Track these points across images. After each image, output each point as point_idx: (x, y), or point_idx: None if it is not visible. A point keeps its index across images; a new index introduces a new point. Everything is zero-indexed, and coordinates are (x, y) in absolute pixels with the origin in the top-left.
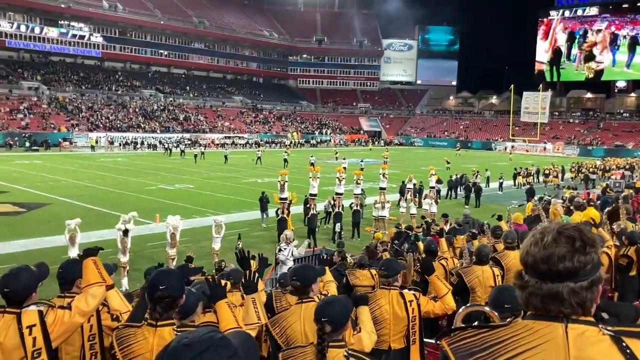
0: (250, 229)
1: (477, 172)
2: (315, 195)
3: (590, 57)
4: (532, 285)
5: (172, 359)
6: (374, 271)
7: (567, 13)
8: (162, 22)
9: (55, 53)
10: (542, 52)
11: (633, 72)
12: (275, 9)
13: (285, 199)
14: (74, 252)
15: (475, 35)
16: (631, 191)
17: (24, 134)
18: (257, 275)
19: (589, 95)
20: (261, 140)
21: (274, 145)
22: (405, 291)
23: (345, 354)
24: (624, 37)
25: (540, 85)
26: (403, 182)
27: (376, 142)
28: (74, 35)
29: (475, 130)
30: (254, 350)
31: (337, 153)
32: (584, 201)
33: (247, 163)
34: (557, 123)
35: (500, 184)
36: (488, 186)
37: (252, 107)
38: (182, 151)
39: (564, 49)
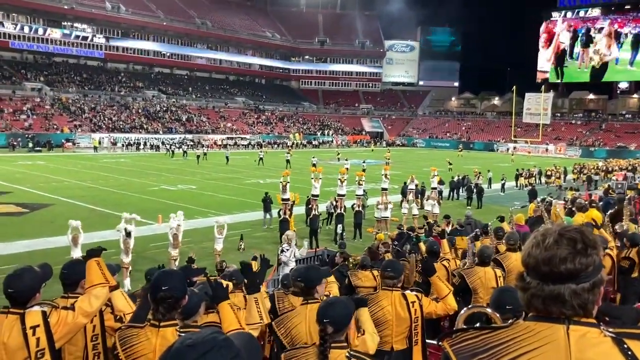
0: (252, 230)
1: (479, 173)
2: (317, 196)
3: (592, 44)
4: (534, 286)
5: None
6: (376, 272)
7: (569, 14)
8: (164, 23)
9: (58, 54)
10: (544, 61)
11: (637, 69)
12: (278, 10)
13: (288, 199)
14: (76, 253)
15: (477, 37)
16: (633, 193)
17: (27, 135)
18: (259, 275)
19: (591, 96)
20: (263, 141)
21: (276, 146)
22: (408, 292)
23: (348, 354)
24: (627, 35)
25: (543, 86)
26: (405, 183)
27: (378, 143)
28: (77, 36)
29: (477, 132)
30: (257, 352)
31: (339, 154)
32: (586, 202)
33: (250, 164)
34: (559, 124)
35: (503, 185)
36: (490, 187)
37: (255, 108)
38: (185, 152)
39: (566, 47)
